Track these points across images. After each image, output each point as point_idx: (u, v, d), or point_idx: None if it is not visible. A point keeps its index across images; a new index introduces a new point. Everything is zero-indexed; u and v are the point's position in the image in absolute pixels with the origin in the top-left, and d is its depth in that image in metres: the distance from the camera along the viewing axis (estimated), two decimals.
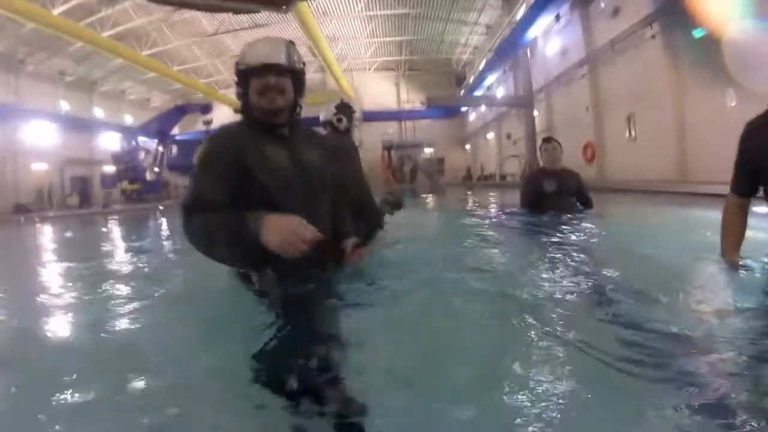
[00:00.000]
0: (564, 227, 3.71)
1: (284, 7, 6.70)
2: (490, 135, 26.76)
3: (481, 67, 23.33)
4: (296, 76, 1.82)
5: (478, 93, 24.88)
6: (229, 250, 1.54)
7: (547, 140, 4.60)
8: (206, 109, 24.94)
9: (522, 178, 18.27)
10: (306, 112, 1.95)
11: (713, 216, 2.58)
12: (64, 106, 25.51)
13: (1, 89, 21.51)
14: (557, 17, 15.81)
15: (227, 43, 25.00)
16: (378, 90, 30.70)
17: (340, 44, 25.81)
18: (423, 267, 2.31)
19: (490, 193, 13.83)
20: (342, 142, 3.20)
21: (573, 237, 3.36)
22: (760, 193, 2.08)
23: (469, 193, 15.93)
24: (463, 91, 27.86)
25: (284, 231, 1.41)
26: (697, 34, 9.38)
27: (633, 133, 12.50)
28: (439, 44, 26.92)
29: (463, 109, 29.70)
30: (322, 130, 3.27)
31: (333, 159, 1.99)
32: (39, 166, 23.74)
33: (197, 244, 1.58)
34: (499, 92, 23.75)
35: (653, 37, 11.06)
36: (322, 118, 3.38)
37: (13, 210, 19.79)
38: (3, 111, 20.97)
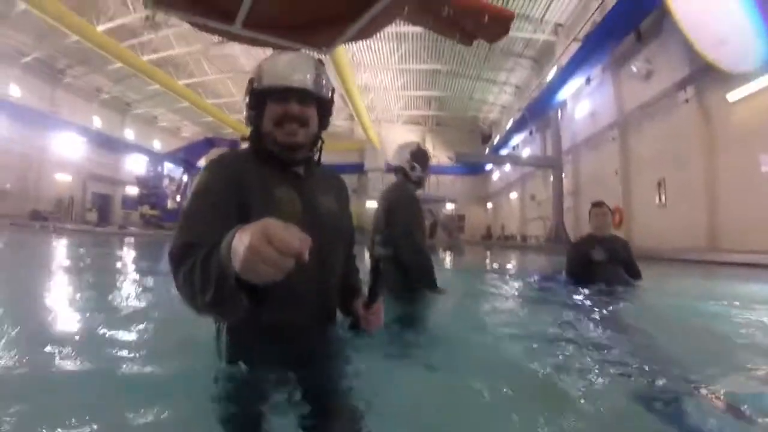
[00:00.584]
0: (617, 301, 3.39)
1: (325, 48, 6.62)
2: (513, 195, 26.47)
3: (508, 127, 23.39)
4: (323, 104, 1.50)
5: (503, 152, 24.80)
6: (206, 295, 1.01)
7: (597, 204, 4.20)
8: (234, 144, 25.29)
9: (547, 240, 18.14)
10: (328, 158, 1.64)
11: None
12: (96, 122, 26.24)
13: (36, 96, 22.20)
14: (588, 80, 15.80)
15: None
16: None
17: (371, 95, 26.26)
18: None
19: (512, 255, 13.27)
20: (400, 197, 3.10)
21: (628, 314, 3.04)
22: None
23: (489, 253, 15.29)
24: (488, 150, 27.87)
25: (254, 238, 0.83)
26: (732, 97, 9.24)
27: (663, 198, 12.05)
28: (468, 101, 27.19)
29: (488, 167, 29.61)
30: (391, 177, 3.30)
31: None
32: (63, 177, 24.15)
33: (185, 299, 1.11)
34: (525, 152, 23.65)
35: (687, 101, 10.79)
36: (394, 162, 3.27)
37: (29, 216, 19.95)
38: (35, 117, 21.53)
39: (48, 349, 1.75)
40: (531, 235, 21.45)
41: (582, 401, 1.45)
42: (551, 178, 19.15)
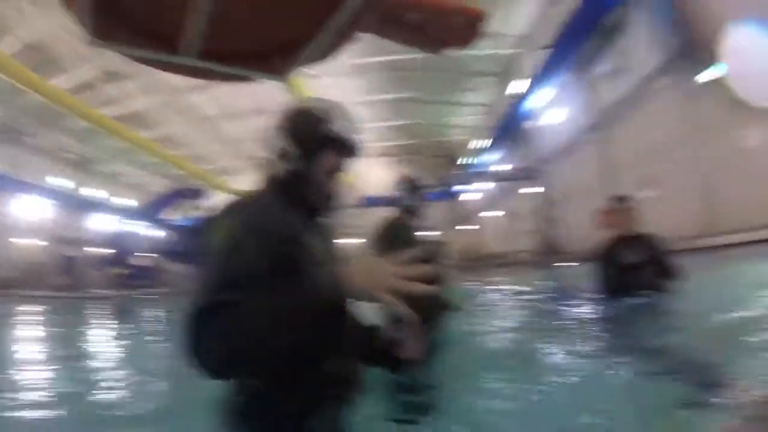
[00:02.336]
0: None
1: (280, 75, 6.32)
2: (495, 213, 26.42)
3: (480, 146, 23.47)
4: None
5: (480, 171, 24.75)
6: (288, 334, 1.05)
7: (621, 198, 3.74)
8: (197, 194, 24.76)
9: (539, 253, 17.92)
10: None
11: None
12: (60, 182, 25.39)
13: None
14: (557, 86, 15.92)
15: (226, 129, 25.22)
16: (377, 175, 30.81)
17: None
18: None
19: (508, 273, 13.05)
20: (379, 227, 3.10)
21: None
22: None
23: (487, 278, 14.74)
24: (463, 172, 27.91)
25: (370, 275, 1.06)
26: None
27: (651, 192, 11.90)
28: (437, 127, 27.36)
29: (461, 189, 29.59)
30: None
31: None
32: (28, 241, 23.15)
33: (228, 347, 1.00)
34: (503, 168, 23.59)
35: (662, 89, 10.79)
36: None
37: None
38: None
39: None
40: (521, 251, 21.17)
41: None
42: (531, 191, 19.09)
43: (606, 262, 3.60)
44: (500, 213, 25.36)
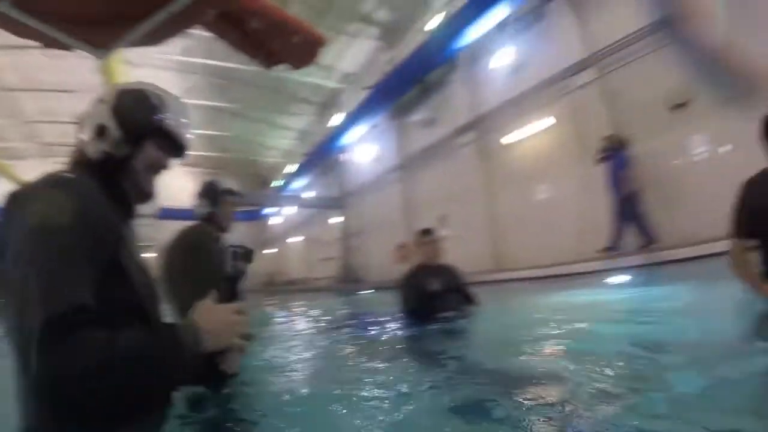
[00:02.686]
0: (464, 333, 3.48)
1: (103, 50, 5.79)
2: (297, 239, 26.54)
3: (290, 171, 23.61)
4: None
5: (287, 195, 24.78)
6: (164, 381, 0.97)
7: (427, 232, 4.08)
8: None
9: (338, 280, 18.44)
10: None
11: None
12: None
13: None
14: (373, 126, 16.99)
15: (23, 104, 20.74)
16: (180, 186, 28.53)
17: None
18: None
19: (310, 299, 13.12)
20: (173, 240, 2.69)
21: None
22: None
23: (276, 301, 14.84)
24: (270, 194, 27.63)
25: (223, 324, 1.07)
26: (505, 140, 10.96)
27: (447, 231, 13.35)
28: (250, 144, 26.68)
29: (267, 211, 29.22)
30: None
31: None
32: None
33: (99, 382, 0.84)
34: (310, 195, 23.99)
35: (467, 144, 12.43)
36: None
37: None
38: None
39: None
40: (320, 277, 21.59)
41: None
42: (335, 220, 19.79)
43: (412, 288, 3.84)
44: (303, 239, 25.64)
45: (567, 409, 1.61)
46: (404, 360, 2.93)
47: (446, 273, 3.95)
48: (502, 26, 10.62)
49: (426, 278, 3.79)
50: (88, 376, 0.82)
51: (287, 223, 27.77)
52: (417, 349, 3.22)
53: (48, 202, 0.95)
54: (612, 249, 7.78)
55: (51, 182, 1.00)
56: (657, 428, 1.41)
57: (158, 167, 1.24)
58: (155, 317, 1.15)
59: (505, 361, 2.56)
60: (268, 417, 1.50)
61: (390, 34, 15.60)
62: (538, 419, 1.54)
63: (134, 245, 1.17)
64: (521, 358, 2.58)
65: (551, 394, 1.86)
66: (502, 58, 11.06)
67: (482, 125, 12.00)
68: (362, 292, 13.16)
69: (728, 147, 7.06)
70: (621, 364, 2.22)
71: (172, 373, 0.95)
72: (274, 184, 27.01)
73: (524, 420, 1.54)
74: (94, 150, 1.15)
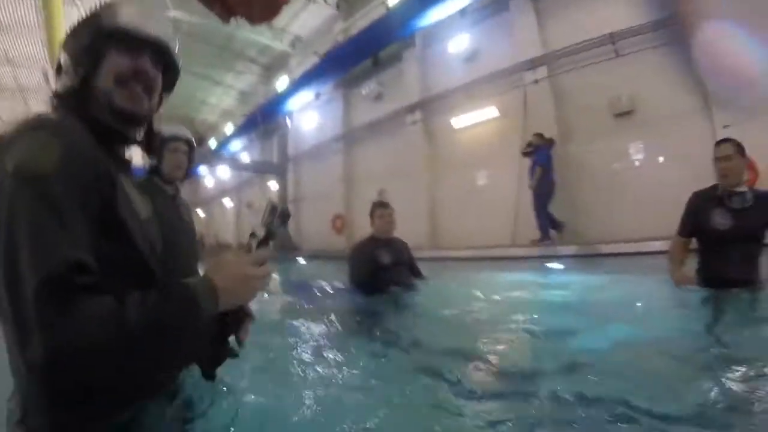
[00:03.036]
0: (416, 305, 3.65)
1: None
2: (228, 203, 25.87)
3: (229, 131, 22.88)
4: (170, 74, 1.21)
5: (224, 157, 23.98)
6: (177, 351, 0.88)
7: (382, 205, 4.17)
8: None
9: (275, 249, 17.84)
10: None
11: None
12: None
13: None
14: (318, 94, 16.84)
15: None
16: None
17: None
18: None
19: None
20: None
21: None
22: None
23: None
24: (205, 153, 26.63)
25: (241, 279, 0.96)
26: (455, 123, 11.28)
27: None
28: (189, 100, 25.52)
29: (200, 172, 28.20)
30: None
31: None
32: None
33: (104, 355, 0.74)
34: (245, 158, 23.48)
35: (414, 123, 12.66)
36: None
37: None
38: None
39: None
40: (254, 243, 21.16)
41: None
42: (271, 186, 19.46)
43: (363, 260, 3.90)
44: (238, 203, 25.05)
45: (506, 368, 2.09)
46: (353, 332, 3.04)
47: (396, 247, 4.05)
48: (463, 12, 10.91)
49: (377, 251, 3.87)
50: (94, 352, 0.73)
51: (221, 185, 27.01)
52: (367, 321, 3.27)
53: (29, 146, 0.83)
54: (543, 240, 8.41)
55: (32, 124, 0.87)
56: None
57: (130, 75, 1.03)
58: (162, 277, 1.04)
59: (450, 331, 2.89)
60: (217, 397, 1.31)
61: (348, 3, 15.45)
62: (485, 380, 1.95)
63: (133, 194, 1.05)
64: (463, 328, 2.95)
65: (491, 359, 2.23)
66: (459, 44, 11.40)
67: (431, 106, 12.28)
68: (299, 260, 13.18)
69: (662, 158, 7.88)
70: (539, 329, 2.78)
71: (189, 341, 0.86)
72: (211, 143, 26.07)
73: (472, 380, 1.91)
74: (59, 88, 1.04)
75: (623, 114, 8.47)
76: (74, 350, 0.71)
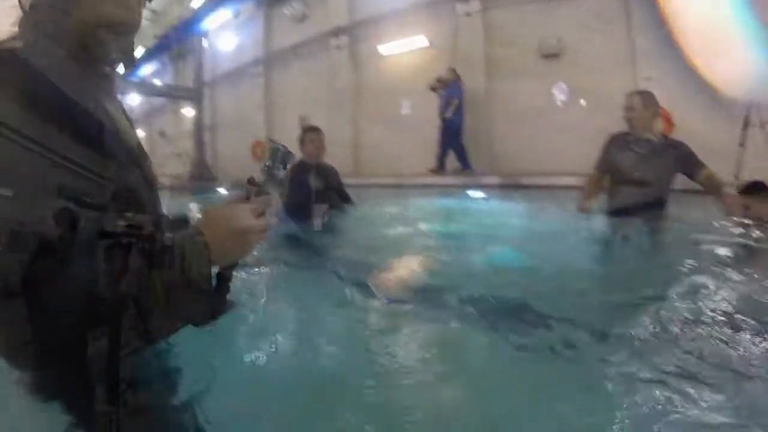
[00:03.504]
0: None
1: None
2: (141, 131, 24.19)
3: (139, 54, 21.00)
4: None
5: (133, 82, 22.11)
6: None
7: (313, 129, 4.14)
8: None
9: (192, 178, 17.18)
10: None
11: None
12: None
13: None
14: (237, 13, 15.67)
15: None
16: None
17: None
18: None
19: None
20: None
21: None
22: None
23: None
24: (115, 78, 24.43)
25: (236, 232, 0.84)
26: (384, 50, 10.92)
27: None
28: None
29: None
30: None
31: None
32: None
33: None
34: (158, 83, 21.69)
35: (339, 47, 12.18)
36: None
37: None
38: None
39: None
40: (168, 175, 20.12)
41: None
42: (185, 112, 18.31)
43: (294, 186, 3.85)
44: (150, 131, 23.46)
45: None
46: (287, 257, 3.06)
47: (327, 172, 4.06)
48: None
49: (308, 176, 3.86)
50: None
51: (131, 112, 24.98)
52: (298, 245, 3.38)
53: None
54: (439, 169, 8.76)
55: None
56: None
57: None
58: (151, 208, 0.99)
59: (379, 250, 3.14)
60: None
61: None
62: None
63: (119, 115, 0.97)
64: (391, 247, 3.27)
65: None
66: None
67: (358, 31, 11.90)
68: (219, 191, 12.66)
69: (584, 102, 8.22)
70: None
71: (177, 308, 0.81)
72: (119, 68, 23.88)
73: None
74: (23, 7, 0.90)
75: (551, 56, 8.75)
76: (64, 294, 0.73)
